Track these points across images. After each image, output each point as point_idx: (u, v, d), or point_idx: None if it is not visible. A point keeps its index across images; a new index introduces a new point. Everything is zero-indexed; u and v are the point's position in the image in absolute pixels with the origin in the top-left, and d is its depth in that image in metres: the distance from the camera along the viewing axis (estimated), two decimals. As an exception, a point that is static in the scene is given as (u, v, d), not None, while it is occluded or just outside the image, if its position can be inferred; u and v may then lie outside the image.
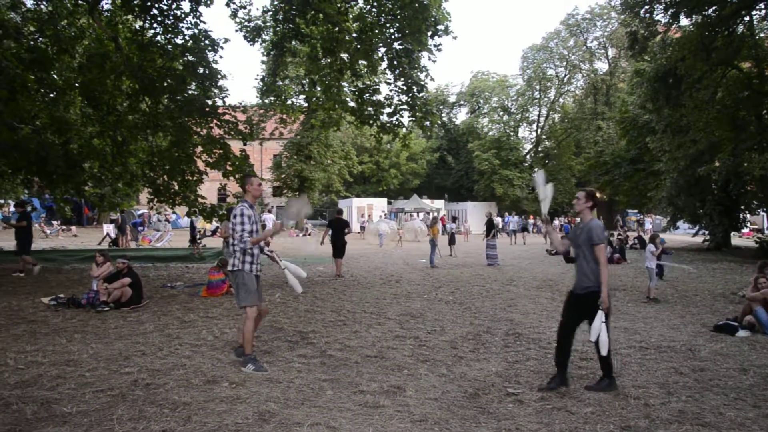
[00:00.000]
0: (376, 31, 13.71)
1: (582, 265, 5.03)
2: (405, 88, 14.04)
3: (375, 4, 13.86)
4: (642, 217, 42.03)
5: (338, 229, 14.14)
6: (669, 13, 18.56)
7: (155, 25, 13.57)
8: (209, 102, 13.60)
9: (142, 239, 25.17)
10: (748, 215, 25.82)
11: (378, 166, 52.75)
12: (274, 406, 4.42)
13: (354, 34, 13.87)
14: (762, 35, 20.45)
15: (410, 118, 15.00)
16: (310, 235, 35.55)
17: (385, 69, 14.99)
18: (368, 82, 15.16)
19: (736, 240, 26.47)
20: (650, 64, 21.97)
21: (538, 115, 52.99)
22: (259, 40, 15.56)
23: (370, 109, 14.60)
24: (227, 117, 13.53)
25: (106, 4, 13.96)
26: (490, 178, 47.18)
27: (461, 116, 60.93)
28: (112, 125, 13.71)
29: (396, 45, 13.79)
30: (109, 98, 13.75)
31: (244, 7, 14.78)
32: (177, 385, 4.92)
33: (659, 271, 10.93)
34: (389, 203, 44.61)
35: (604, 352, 4.90)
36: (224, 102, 14.99)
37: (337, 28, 13.39)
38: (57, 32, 12.73)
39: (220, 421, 4.08)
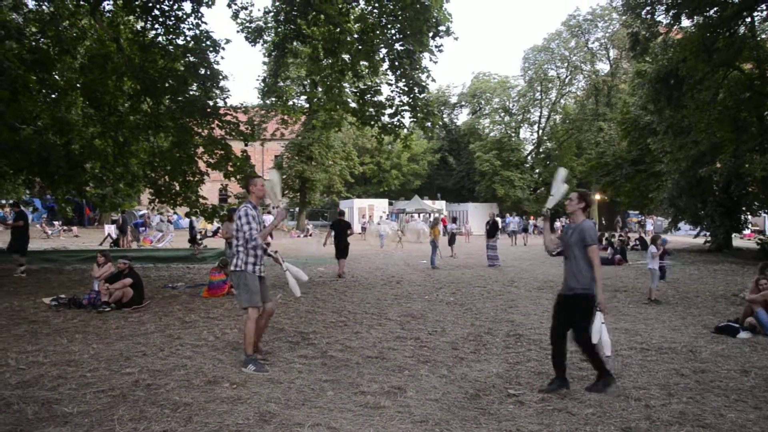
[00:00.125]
0: (378, 32, 13.72)
1: (571, 266, 5.03)
2: (406, 89, 14.04)
3: (376, 4, 13.87)
4: (643, 218, 41.98)
5: (340, 230, 14.18)
6: (670, 14, 18.55)
7: (157, 26, 13.60)
8: (211, 103, 13.61)
9: (143, 240, 25.20)
10: (749, 216, 25.76)
11: (379, 167, 52.75)
12: (275, 407, 4.43)
13: (355, 35, 13.88)
14: (763, 36, 20.43)
15: (411, 119, 15.00)
16: (311, 236, 35.56)
17: (386, 70, 14.99)
18: (369, 83, 15.17)
19: (737, 241, 26.43)
20: (651, 65, 21.96)
21: (540, 116, 53.03)
22: (261, 41, 15.59)
23: (371, 109, 14.60)
24: (228, 118, 13.55)
25: (107, 5, 14.00)
26: (492, 179, 47.17)
27: (462, 117, 60.99)
28: (113, 126, 13.73)
29: (397, 46, 13.80)
30: (111, 99, 13.78)
31: (246, 8, 14.82)
32: (178, 385, 4.92)
33: (662, 272, 10.92)
34: (390, 204, 44.59)
35: (608, 352, 4.91)
36: (225, 103, 15.03)
37: (338, 29, 13.40)
38: (59, 33, 12.76)
39: (221, 422, 4.08)
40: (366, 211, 40.03)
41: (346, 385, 5.11)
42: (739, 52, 18.21)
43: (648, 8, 18.97)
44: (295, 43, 15.67)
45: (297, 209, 45.06)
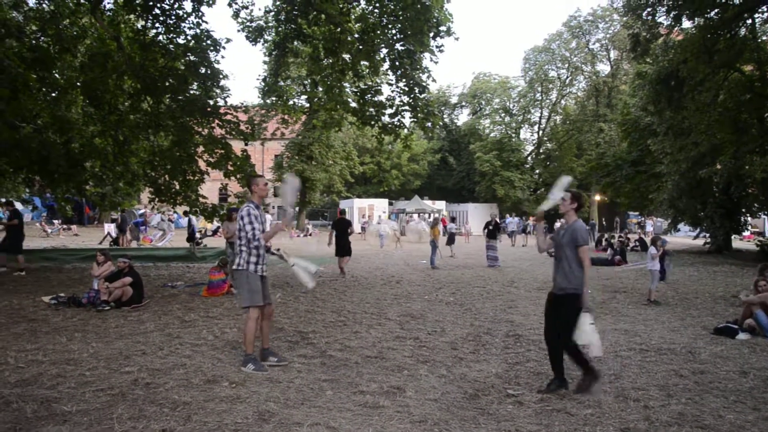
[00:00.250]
0: (378, 32, 13.72)
1: (562, 266, 5.01)
2: (407, 89, 14.04)
3: (377, 4, 13.87)
4: (643, 219, 42.00)
5: (342, 229, 14.28)
6: (671, 15, 18.54)
7: (157, 24, 13.59)
8: (211, 102, 13.61)
9: (143, 239, 25.20)
10: (749, 218, 25.78)
11: (379, 167, 52.77)
12: (274, 406, 4.43)
13: (356, 35, 13.88)
14: (764, 38, 20.43)
15: (412, 119, 15.00)
16: (311, 235, 35.56)
17: (386, 70, 14.99)
18: (370, 83, 15.17)
19: (737, 243, 26.46)
20: (652, 67, 21.96)
21: (540, 117, 53.10)
22: (261, 40, 15.58)
23: (371, 109, 14.59)
24: (229, 117, 13.54)
25: (108, 3, 13.99)
26: (492, 179, 47.22)
27: (463, 117, 61.05)
28: (113, 125, 13.73)
29: (398, 46, 13.80)
30: (111, 98, 13.78)
31: (246, 8, 14.81)
32: (177, 384, 4.92)
33: (662, 274, 10.92)
34: (390, 204, 44.62)
35: (598, 353, 4.90)
36: (226, 102, 15.02)
37: (339, 29, 13.40)
38: (59, 31, 12.75)
39: (220, 421, 4.08)
40: (366, 211, 40.04)
41: (345, 384, 5.11)
42: (740, 53, 18.22)
43: (649, 9, 18.97)
44: (295, 43, 15.67)
45: (297, 209, 45.09)
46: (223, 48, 13.46)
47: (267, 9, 15.26)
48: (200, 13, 13.29)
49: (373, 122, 14.69)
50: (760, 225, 37.52)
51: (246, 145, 14.95)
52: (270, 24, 15.37)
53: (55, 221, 30.33)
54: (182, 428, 3.96)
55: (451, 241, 21.16)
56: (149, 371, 5.30)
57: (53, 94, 13.94)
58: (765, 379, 5.54)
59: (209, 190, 17.44)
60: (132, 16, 14.36)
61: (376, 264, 17.56)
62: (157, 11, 13.14)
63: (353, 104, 16.00)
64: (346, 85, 17.09)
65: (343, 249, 14.23)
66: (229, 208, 12.72)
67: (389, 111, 14.57)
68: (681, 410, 4.58)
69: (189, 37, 13.45)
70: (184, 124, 13.11)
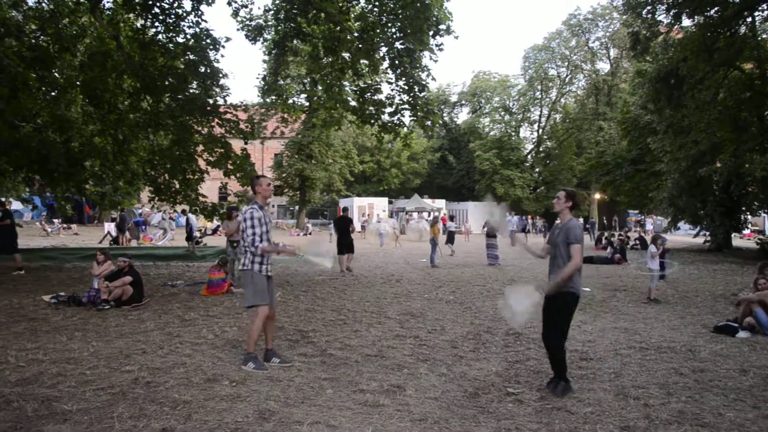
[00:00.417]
0: (378, 31, 13.71)
1: (557, 265, 4.95)
2: (406, 87, 14.04)
3: (376, 3, 13.86)
4: (643, 217, 42.01)
5: (344, 227, 14.44)
6: (671, 13, 18.53)
7: (156, 23, 13.58)
8: (210, 101, 13.60)
9: (143, 238, 25.21)
10: (749, 216, 25.78)
11: (379, 166, 52.75)
12: (274, 405, 4.43)
13: (355, 34, 13.87)
14: (764, 36, 20.41)
15: (411, 118, 15.00)
16: (311, 234, 35.58)
17: (386, 68, 14.98)
18: (369, 82, 15.16)
19: (737, 241, 26.44)
20: (652, 65, 21.94)
21: (540, 115, 53.05)
22: (261, 39, 15.56)
23: (371, 108, 14.59)
24: (228, 116, 13.55)
25: (107, 2, 13.99)
26: (491, 178, 47.21)
27: (462, 116, 61.00)
28: (113, 124, 13.73)
29: (397, 44, 13.79)
30: (111, 97, 13.78)
31: (246, 6, 14.78)
32: (177, 383, 4.92)
33: (661, 272, 10.91)
34: (390, 203, 44.63)
35: (516, 326, 4.91)
36: (225, 101, 15.00)
37: (338, 28, 13.40)
38: (58, 30, 12.74)
39: (220, 420, 4.08)
40: (366, 210, 40.05)
41: (346, 383, 5.11)
42: (740, 51, 18.20)
43: (649, 8, 18.96)
44: (295, 42, 15.66)
45: (297, 207, 45.08)
46: (223, 47, 13.47)
47: (266, 8, 15.25)
48: (199, 12, 13.28)
49: (372, 121, 14.69)
50: (760, 223, 37.53)
51: (246, 144, 14.93)
52: (269, 23, 15.36)
53: (55, 220, 30.35)
54: (182, 427, 3.96)
55: (450, 239, 21.14)
56: (149, 370, 5.30)
57: (53, 93, 13.93)
58: (765, 377, 5.54)
59: (209, 189, 17.43)
60: (131, 15, 14.35)
61: (376, 262, 17.57)
62: (157, 10, 13.14)
63: (353, 103, 15.99)
64: (346, 83, 17.07)
65: (346, 247, 14.40)
66: (228, 207, 12.73)
67: (389, 109, 14.58)
68: (681, 408, 4.58)
69: (188, 36, 13.43)
70: (184, 123, 13.11)
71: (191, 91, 13.46)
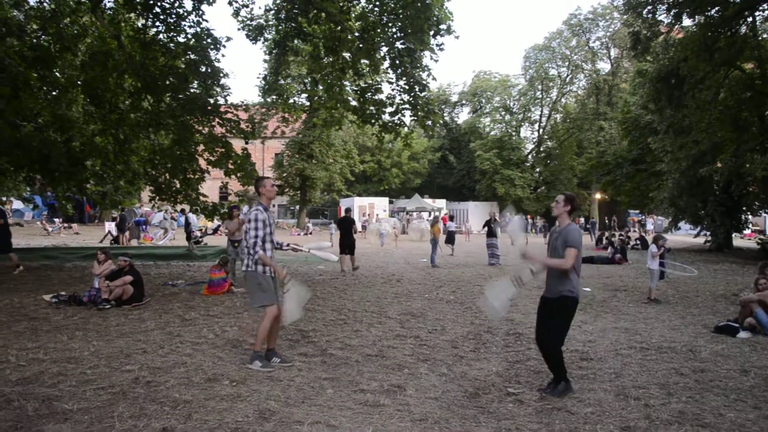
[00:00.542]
0: (379, 31, 13.71)
1: (557, 270, 4.88)
2: (407, 87, 14.04)
3: (377, 3, 13.86)
4: (644, 217, 41.99)
5: (346, 227, 14.53)
6: (672, 13, 18.51)
7: (157, 23, 13.60)
8: (211, 100, 13.62)
9: (144, 237, 25.23)
10: (749, 216, 25.76)
11: (380, 166, 52.74)
12: (275, 405, 4.43)
13: (356, 33, 13.87)
14: (765, 36, 20.39)
15: (412, 118, 15.00)
16: (311, 233, 35.58)
17: (387, 68, 14.99)
18: (370, 81, 15.16)
19: (737, 241, 26.43)
20: (653, 65, 21.93)
21: (540, 115, 53.02)
22: (262, 38, 15.56)
23: (371, 108, 14.59)
24: (229, 115, 13.56)
25: (108, 2, 14.01)
26: (492, 177, 47.19)
27: (463, 116, 60.96)
28: (114, 123, 13.74)
29: (398, 44, 13.79)
30: (112, 96, 13.79)
31: (247, 6, 14.79)
32: (178, 382, 4.93)
33: (661, 272, 10.92)
34: (391, 202, 44.62)
35: (495, 319, 4.91)
36: (226, 100, 15.02)
37: (339, 27, 13.40)
38: (60, 30, 12.75)
39: (221, 419, 4.09)
40: (366, 210, 40.06)
41: (346, 383, 5.11)
42: (741, 51, 18.19)
43: (649, 7, 18.94)
44: (296, 41, 15.66)
45: (297, 207, 45.09)
46: (224, 46, 13.50)
47: (267, 7, 15.26)
48: (200, 12, 13.31)
49: (373, 120, 14.70)
50: (761, 223, 37.51)
51: (246, 143, 14.96)
52: (270, 22, 15.36)
53: (56, 220, 30.40)
54: (183, 426, 3.96)
55: (450, 240, 21.11)
56: (150, 370, 5.30)
57: (54, 93, 13.95)
58: (766, 377, 5.54)
59: (210, 189, 17.43)
60: (132, 14, 14.36)
61: (376, 262, 17.57)
62: (158, 10, 13.16)
63: (353, 102, 16.00)
64: (347, 83, 17.08)
65: (348, 247, 14.58)
66: (229, 206, 12.74)
67: (389, 109, 14.59)
68: (681, 409, 4.58)
69: (189, 36, 13.45)
70: (185, 122, 13.12)
71: (192, 90, 13.47)
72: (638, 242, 24.80)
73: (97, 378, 5.02)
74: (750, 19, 19.04)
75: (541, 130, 53.25)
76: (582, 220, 42.59)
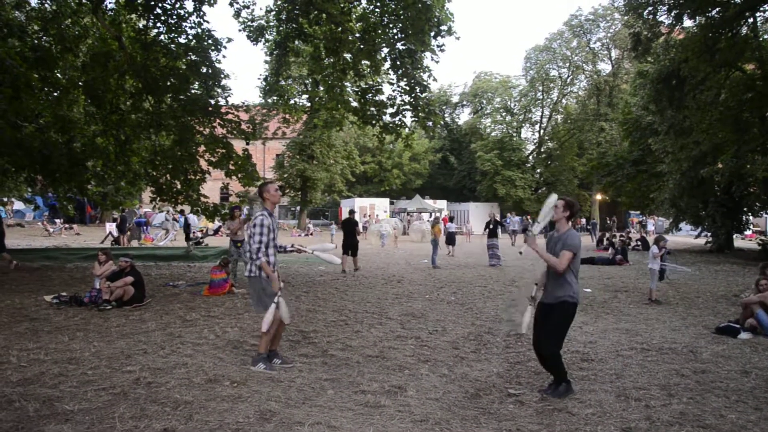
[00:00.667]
0: (379, 32, 13.73)
1: (555, 276, 4.85)
2: (408, 88, 14.05)
3: (378, 4, 13.88)
4: (644, 218, 41.95)
5: (350, 228, 14.62)
6: (672, 14, 18.49)
7: (159, 24, 13.61)
8: (212, 101, 13.63)
9: (144, 238, 25.24)
10: (750, 217, 25.73)
11: (380, 166, 52.76)
12: (275, 405, 4.43)
13: (357, 35, 13.88)
14: (766, 37, 20.36)
15: (413, 119, 15.01)
16: (312, 234, 35.60)
17: (388, 69, 15.01)
18: (371, 82, 15.18)
19: (738, 242, 26.41)
20: (653, 66, 21.92)
21: (541, 116, 53.04)
22: (263, 39, 15.60)
23: (372, 109, 14.61)
24: (230, 116, 13.57)
25: (109, 3, 14.03)
26: (493, 178, 47.20)
27: (464, 117, 61.01)
28: (115, 124, 13.75)
29: (399, 45, 13.81)
30: (113, 97, 13.80)
31: (248, 7, 14.83)
32: (178, 383, 4.93)
33: (660, 273, 10.91)
34: (391, 203, 44.62)
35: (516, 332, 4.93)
36: (227, 101, 15.03)
37: (340, 29, 13.40)
38: (61, 31, 12.78)
39: (222, 420, 4.09)
40: (367, 211, 40.07)
41: (347, 383, 5.11)
42: (742, 52, 18.17)
43: (650, 8, 18.92)
44: (296, 42, 15.68)
45: (298, 208, 45.11)
46: (225, 47, 13.51)
47: (268, 8, 15.30)
48: (201, 13, 13.32)
49: (374, 121, 14.71)
50: (762, 224, 37.47)
51: (247, 144, 14.97)
52: (271, 23, 15.39)
53: (57, 220, 30.39)
54: (184, 427, 3.96)
55: (450, 241, 21.06)
56: (151, 370, 5.30)
57: (55, 94, 13.97)
58: (767, 378, 5.53)
59: (210, 190, 17.45)
60: (133, 15, 14.38)
61: (377, 263, 17.57)
62: (159, 11, 13.17)
63: (354, 103, 16.02)
64: (347, 84, 17.11)
65: (351, 248, 14.75)
66: (230, 207, 12.75)
67: (390, 110, 14.61)
68: (682, 410, 4.58)
69: (190, 37, 13.48)
70: (186, 123, 13.12)
71: (193, 91, 13.48)
72: (639, 243, 24.77)
73: (98, 379, 5.02)
74: (751, 20, 19.02)
75: (541, 131, 53.26)
76: (583, 221, 42.55)
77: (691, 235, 29.20)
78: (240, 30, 15.28)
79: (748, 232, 30.32)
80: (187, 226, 21.80)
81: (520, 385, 5.22)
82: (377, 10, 13.99)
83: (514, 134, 51.27)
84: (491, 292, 11.47)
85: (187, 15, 13.30)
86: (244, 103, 20.86)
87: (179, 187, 13.64)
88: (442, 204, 43.10)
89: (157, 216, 32.19)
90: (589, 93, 49.85)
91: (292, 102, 24.37)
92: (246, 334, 7.03)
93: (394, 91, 14.35)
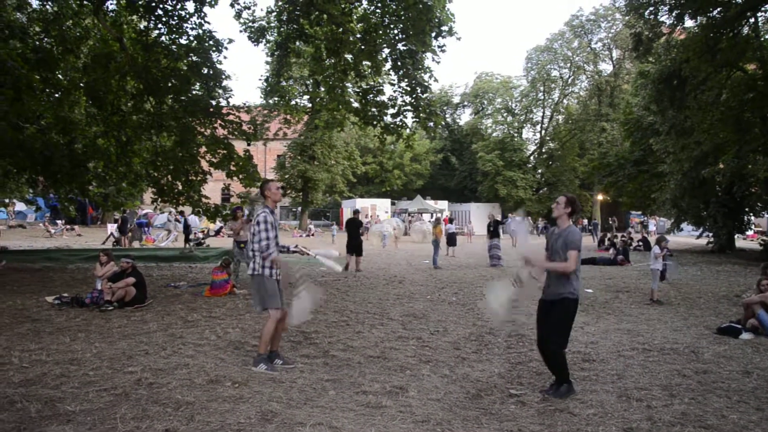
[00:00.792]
0: (380, 32, 13.73)
1: (556, 273, 4.87)
2: (409, 88, 14.05)
3: (379, 5, 13.88)
4: (646, 218, 41.92)
5: (354, 228, 14.83)
6: (674, 14, 18.47)
7: (160, 25, 13.61)
8: (213, 102, 13.64)
9: (146, 239, 25.26)
10: (752, 217, 25.71)
11: (381, 167, 52.79)
12: (277, 406, 4.43)
13: (358, 35, 13.88)
14: (767, 37, 20.35)
15: (414, 119, 15.01)
16: (313, 235, 35.60)
17: (389, 70, 15.01)
18: (372, 83, 15.18)
19: (740, 242, 26.38)
20: (655, 66, 21.90)
21: (542, 116, 53.04)
22: (264, 40, 15.60)
23: (373, 109, 14.61)
24: (231, 117, 13.56)
25: (111, 4, 14.03)
26: (494, 179, 47.21)
27: (465, 117, 61.05)
28: (116, 125, 13.76)
29: (400, 46, 13.80)
30: (114, 98, 13.81)
31: (249, 8, 14.82)
32: (180, 384, 4.93)
33: (661, 274, 10.89)
34: (393, 204, 44.64)
35: (496, 321, 4.95)
36: (228, 102, 15.04)
37: (341, 29, 13.41)
38: (62, 32, 12.79)
39: (223, 421, 4.09)
40: (368, 211, 40.08)
41: (348, 384, 5.12)
42: (743, 52, 18.15)
43: (651, 9, 18.90)
44: (297, 43, 15.69)
45: (299, 209, 45.15)
46: (226, 48, 13.50)
47: (269, 9, 15.30)
48: (202, 14, 13.33)
49: (375, 122, 14.71)
50: (764, 224, 37.43)
51: (248, 145, 14.99)
52: (272, 24, 15.39)
53: (59, 221, 30.42)
54: (185, 428, 3.96)
55: (451, 242, 21.03)
56: (152, 371, 5.31)
57: (56, 95, 13.97)
58: (768, 378, 5.53)
59: (212, 191, 17.46)
60: (135, 17, 14.38)
61: (378, 264, 17.57)
62: (160, 12, 13.17)
63: (355, 104, 16.01)
64: (348, 85, 17.10)
65: (354, 248, 14.88)
66: (232, 208, 12.77)
67: (391, 111, 14.60)
68: (684, 410, 4.57)
69: (191, 38, 13.48)
70: (187, 124, 13.13)
71: (194, 92, 13.49)
72: (641, 243, 24.75)
73: (99, 379, 5.03)
74: (752, 20, 18.99)
75: (543, 132, 53.27)
76: (585, 221, 42.52)
77: (693, 236, 29.19)
78: (241, 31, 15.31)
79: (749, 233, 30.29)
80: (186, 228, 21.80)
81: (522, 385, 5.21)
82: (378, 10, 14.00)
83: (516, 135, 51.29)
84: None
85: (188, 16, 13.31)
86: (245, 103, 21.00)
87: (180, 188, 13.64)
88: (443, 204, 43.11)
89: (159, 217, 32.23)
90: (590, 93, 49.85)
91: (293, 103, 24.39)
92: (247, 334, 7.04)
93: (395, 91, 14.36)
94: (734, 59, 18.26)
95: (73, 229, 29.15)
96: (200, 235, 26.13)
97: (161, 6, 13.09)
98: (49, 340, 6.56)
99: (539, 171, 51.70)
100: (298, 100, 33.69)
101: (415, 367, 5.73)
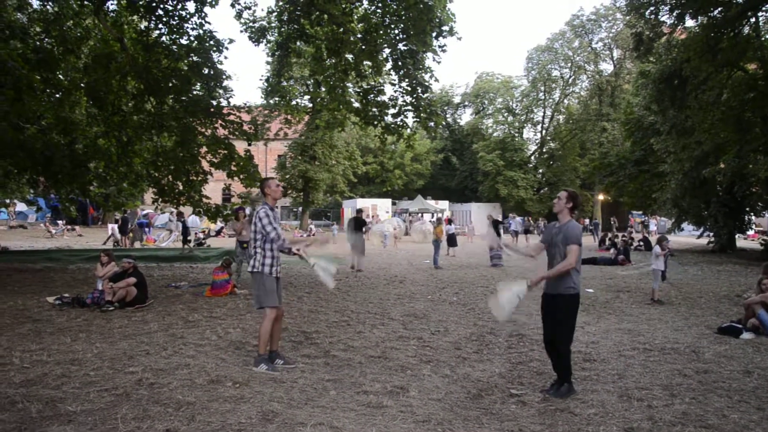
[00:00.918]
0: (381, 32, 13.72)
1: (556, 266, 4.90)
2: (409, 88, 14.04)
3: (380, 5, 13.88)
4: (647, 218, 41.90)
5: (357, 227, 15.10)
6: (674, 14, 18.47)
7: (160, 25, 13.62)
8: (214, 102, 13.65)
9: (146, 239, 25.28)
10: (753, 217, 25.69)
11: (382, 167, 52.79)
12: (278, 406, 4.43)
13: (359, 35, 13.88)
14: (768, 36, 20.36)
15: (415, 119, 15.00)
16: (314, 235, 35.58)
17: (389, 70, 14.99)
18: (373, 83, 15.18)
19: (741, 242, 26.37)
20: (655, 66, 21.89)
21: (543, 116, 53.03)
22: (264, 40, 15.61)
23: (374, 109, 14.61)
24: (232, 117, 13.57)
25: (111, 4, 14.04)
26: (495, 179, 47.20)
27: (466, 117, 61.06)
28: (117, 125, 13.76)
29: (401, 46, 13.79)
30: (114, 98, 13.81)
31: (249, 8, 14.83)
32: (181, 384, 4.93)
33: (662, 273, 10.90)
34: (393, 204, 44.64)
35: (501, 318, 5.06)
36: (229, 102, 15.05)
37: (341, 29, 13.41)
38: (63, 33, 12.80)
39: (224, 421, 4.09)
40: (369, 211, 40.05)
41: (349, 384, 5.12)
42: (744, 52, 18.14)
43: (652, 8, 18.89)
44: (298, 43, 15.69)
45: (300, 209, 45.16)
46: (226, 48, 13.51)
47: (270, 9, 15.30)
48: (203, 14, 13.34)
49: (376, 122, 14.71)
50: (765, 224, 37.40)
51: (249, 145, 15.00)
52: (273, 24, 15.40)
53: (60, 222, 30.46)
54: (186, 428, 3.97)
55: (452, 242, 21.00)
56: (153, 371, 5.31)
57: (57, 95, 13.98)
58: (769, 378, 5.53)
59: (212, 191, 17.48)
60: (135, 17, 14.39)
61: (379, 264, 17.57)
62: (161, 12, 13.18)
63: (356, 104, 16.00)
64: (349, 85, 17.09)
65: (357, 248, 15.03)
66: (234, 208, 12.78)
67: (392, 111, 14.59)
68: (685, 410, 4.57)
69: (192, 38, 13.49)
70: (188, 124, 13.14)
71: (195, 92, 13.49)
72: (641, 243, 24.74)
73: (100, 380, 5.03)
74: (753, 20, 18.97)
75: (543, 132, 53.27)
76: (587, 221, 42.52)
77: (694, 235, 29.19)
78: (242, 31, 15.29)
79: (750, 232, 30.26)
80: (185, 229, 21.80)
81: (522, 385, 5.22)
82: (379, 10, 13.99)
83: (516, 135, 51.28)
84: (493, 292, 11.43)
85: (188, 16, 13.32)
86: (245, 104, 20.99)
87: (181, 188, 13.65)
88: (444, 204, 43.08)
89: (160, 217, 32.25)
90: (591, 93, 49.83)
91: (293, 103, 24.38)
92: (248, 334, 7.04)
93: (395, 91, 14.35)
94: (735, 59, 18.26)
95: (74, 230, 29.18)
96: (201, 236, 26.16)
97: (162, 6, 13.10)
98: (50, 340, 6.57)
99: (540, 171, 51.70)
100: (298, 100, 33.66)
101: (416, 367, 5.74)
